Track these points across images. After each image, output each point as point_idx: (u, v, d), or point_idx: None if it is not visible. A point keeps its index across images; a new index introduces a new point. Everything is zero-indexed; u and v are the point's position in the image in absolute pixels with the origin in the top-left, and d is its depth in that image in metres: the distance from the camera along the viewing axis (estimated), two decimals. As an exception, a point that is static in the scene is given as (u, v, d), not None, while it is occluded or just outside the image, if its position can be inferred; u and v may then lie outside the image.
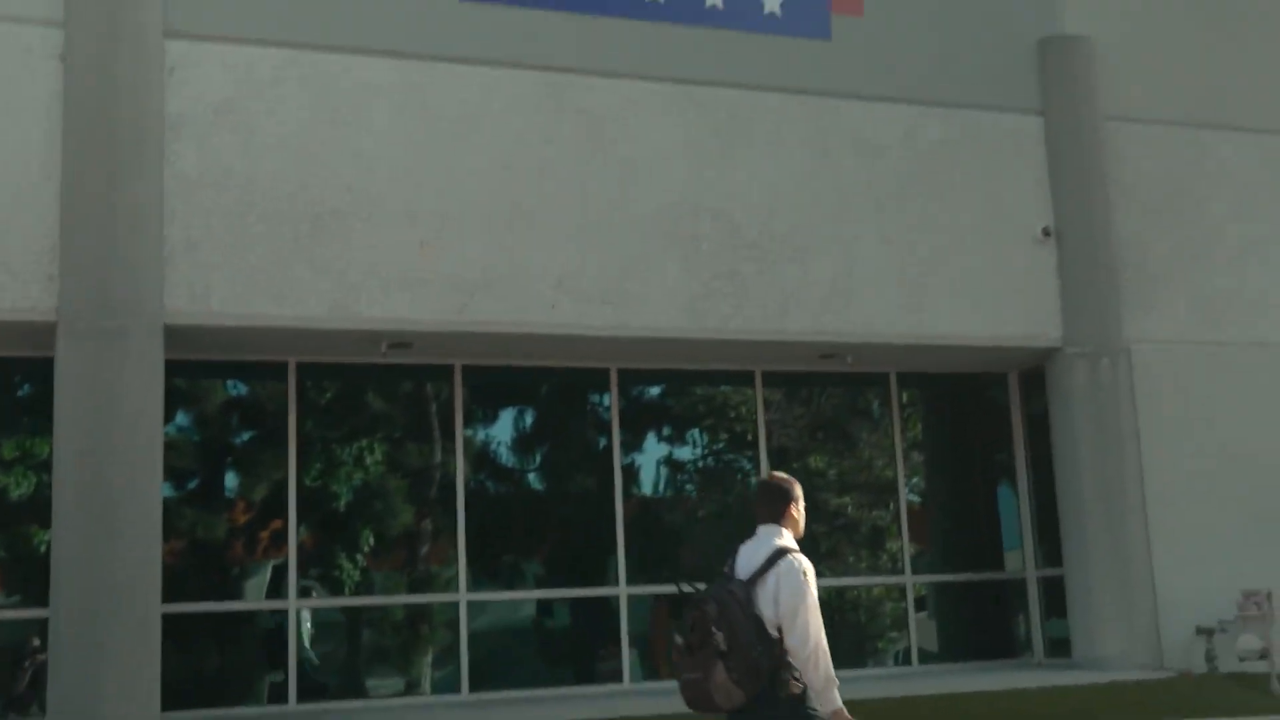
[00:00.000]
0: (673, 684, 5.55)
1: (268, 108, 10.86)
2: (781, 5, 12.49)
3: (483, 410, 12.61)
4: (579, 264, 11.48)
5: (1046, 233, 12.93)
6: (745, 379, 13.13)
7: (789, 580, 5.36)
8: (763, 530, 5.63)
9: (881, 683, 11.63)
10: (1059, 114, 13.24)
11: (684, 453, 13.23)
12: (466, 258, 11.17)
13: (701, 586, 5.51)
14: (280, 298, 10.71)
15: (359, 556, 11.99)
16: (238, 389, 12.13)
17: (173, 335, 10.46)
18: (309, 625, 11.73)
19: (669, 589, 11.71)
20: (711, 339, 11.96)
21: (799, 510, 5.71)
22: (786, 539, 5.57)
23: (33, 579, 10.55)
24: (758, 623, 5.32)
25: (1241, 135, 14.00)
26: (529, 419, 12.88)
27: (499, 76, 11.52)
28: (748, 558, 5.51)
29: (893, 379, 13.61)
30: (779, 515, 5.65)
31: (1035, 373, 13.51)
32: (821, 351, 12.58)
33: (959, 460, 14.41)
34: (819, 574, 5.59)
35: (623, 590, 12.34)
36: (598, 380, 12.65)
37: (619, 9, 11.97)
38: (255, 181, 10.72)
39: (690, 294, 11.79)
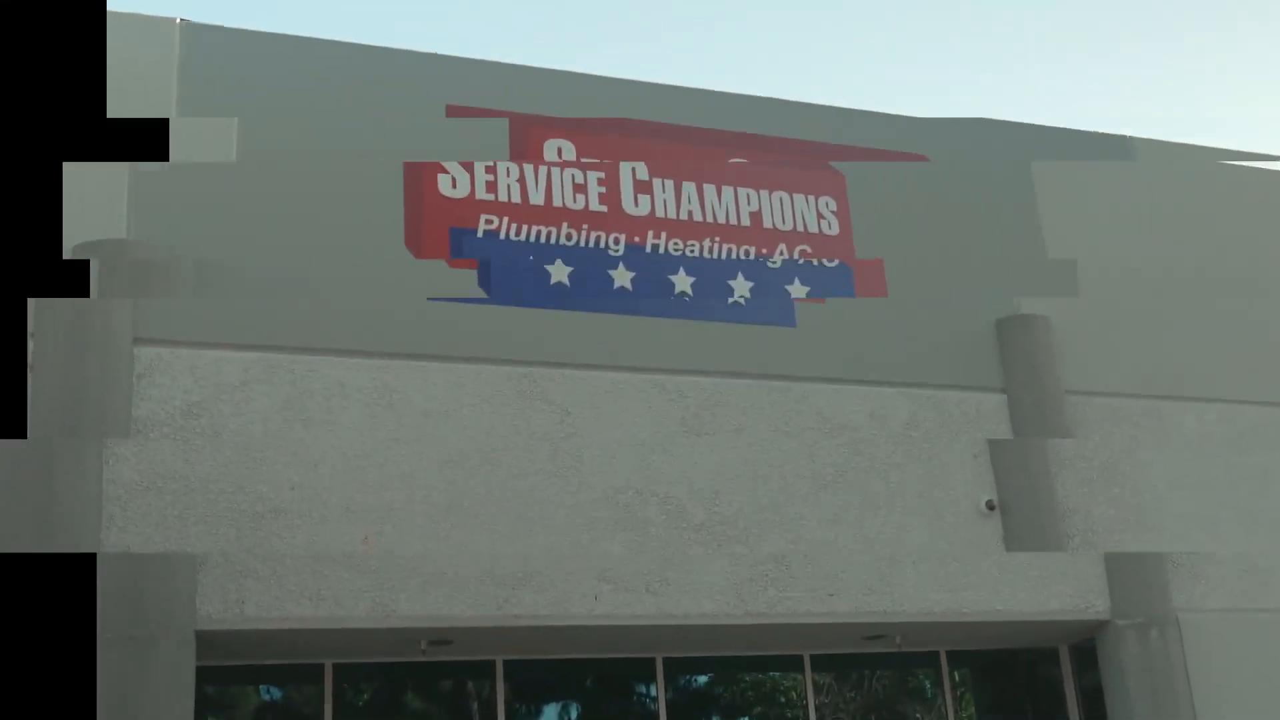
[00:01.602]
0: None
1: (235, 409, 10.57)
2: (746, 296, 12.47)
3: (525, 706, 12.11)
4: (619, 553, 11.20)
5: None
6: (794, 664, 12.73)
7: None
8: None
9: None
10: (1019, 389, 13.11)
11: (734, 742, 12.72)
12: (503, 552, 10.85)
13: None
14: (316, 599, 10.36)
15: None
16: (271, 694, 11.65)
17: (205, 641, 10.07)
18: None
19: None
20: (758, 624, 11.58)
21: None
22: None
23: None
24: None
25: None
26: (574, 713, 12.38)
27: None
28: None
29: (943, 657, 13.22)
30: None
31: (1087, 646, 13.12)
32: (869, 633, 12.24)
33: (1016, 740, 13.89)
34: None
35: None
36: (643, 670, 12.23)
37: (588, 304, 11.82)
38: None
39: (735, 579, 11.47)
